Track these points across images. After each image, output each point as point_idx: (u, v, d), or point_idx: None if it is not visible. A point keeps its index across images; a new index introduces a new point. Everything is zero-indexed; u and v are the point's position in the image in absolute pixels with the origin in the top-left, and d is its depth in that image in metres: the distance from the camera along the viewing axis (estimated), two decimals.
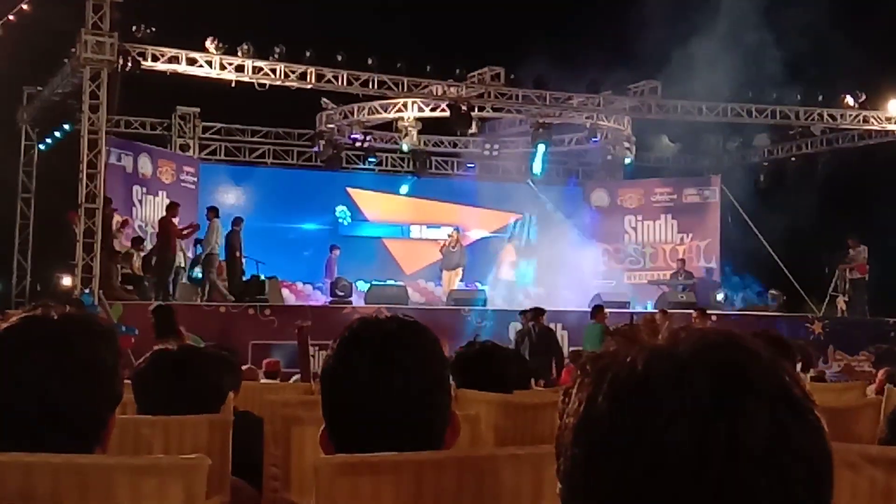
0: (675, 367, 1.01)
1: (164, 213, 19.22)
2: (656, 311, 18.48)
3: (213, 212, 19.38)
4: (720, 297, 21.39)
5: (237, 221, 19.53)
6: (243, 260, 19.44)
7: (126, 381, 2.38)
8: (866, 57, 19.16)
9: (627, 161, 23.90)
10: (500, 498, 2.06)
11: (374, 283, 21.55)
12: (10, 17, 17.72)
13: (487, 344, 4.89)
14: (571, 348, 18.13)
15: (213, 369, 3.53)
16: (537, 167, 23.43)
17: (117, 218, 18.83)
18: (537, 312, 16.14)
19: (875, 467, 2.15)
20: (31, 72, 20.94)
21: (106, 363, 2.13)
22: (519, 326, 18.61)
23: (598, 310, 16.71)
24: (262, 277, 18.83)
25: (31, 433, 2.01)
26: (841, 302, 21.25)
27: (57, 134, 21.28)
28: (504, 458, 2.15)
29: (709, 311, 19.28)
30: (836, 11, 19.30)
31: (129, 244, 19.15)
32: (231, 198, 23.22)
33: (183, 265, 19.37)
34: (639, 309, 20.15)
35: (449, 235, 22.13)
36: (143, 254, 19.12)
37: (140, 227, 20.49)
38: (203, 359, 3.54)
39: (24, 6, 17.62)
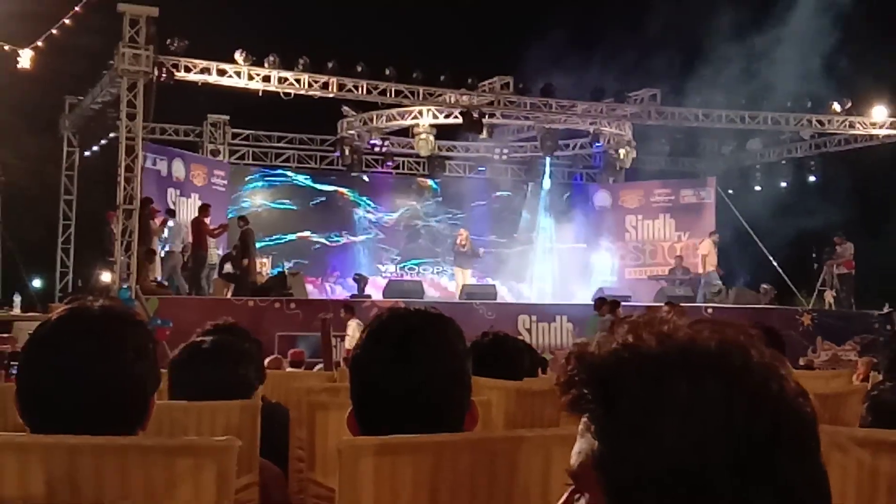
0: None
1: (197, 214, 19.27)
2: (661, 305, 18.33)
3: (169, 213, 19.39)
4: (715, 286, 21.32)
5: (243, 220, 19.42)
6: (256, 258, 19.34)
7: (161, 371, 2.40)
8: (852, 65, 19.11)
9: (628, 164, 23.84)
10: (512, 476, 2.07)
11: (392, 279, 21.59)
12: (54, 31, 17.78)
13: (500, 334, 4.87)
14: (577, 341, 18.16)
15: (243, 362, 3.54)
16: (546, 183, 24.00)
17: (158, 219, 18.84)
18: (614, 305, 16.12)
19: (862, 449, 2.15)
20: (72, 82, 21.03)
21: (148, 349, 2.15)
22: (526, 319, 18.68)
23: (599, 302, 16.77)
24: (287, 273, 18.86)
25: (82, 416, 2.02)
26: (829, 296, 21.19)
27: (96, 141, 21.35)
28: (515, 440, 2.15)
29: (705, 305, 19.32)
30: (824, 23, 19.28)
31: None
32: (258, 199, 23.31)
33: (214, 262, 19.44)
34: (638, 303, 20.10)
35: (459, 234, 21.96)
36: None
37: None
38: (234, 352, 3.56)
39: (66, 21, 17.68)
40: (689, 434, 0.96)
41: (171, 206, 20.28)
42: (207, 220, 18.83)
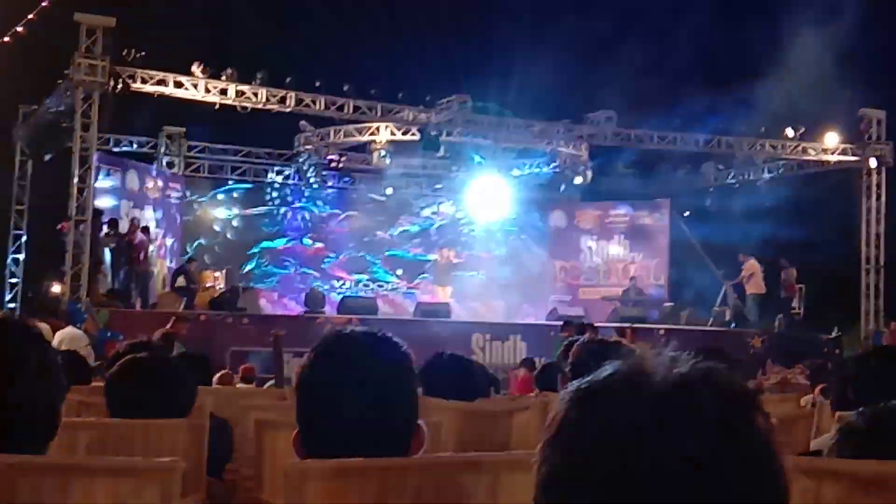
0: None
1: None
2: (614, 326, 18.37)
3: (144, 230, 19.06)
4: (665, 311, 21.48)
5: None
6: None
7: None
8: (805, 92, 19.40)
9: (583, 185, 24.00)
10: (459, 501, 2.06)
11: (346, 295, 21.52)
12: (6, 39, 17.59)
13: (455, 355, 4.87)
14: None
15: (181, 376, 3.50)
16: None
17: (106, 229, 18.56)
18: (579, 328, 15.91)
19: (806, 477, 2.16)
20: (26, 91, 20.80)
21: (52, 359, 2.09)
22: (479, 337, 18.64)
23: (565, 325, 16.66)
24: (240, 288, 18.72)
25: None
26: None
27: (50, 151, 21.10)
28: (463, 464, 2.14)
29: (657, 326, 19.43)
30: (777, 50, 19.58)
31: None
32: (217, 212, 23.29)
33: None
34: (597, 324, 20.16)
35: (440, 252, 22.98)
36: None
37: None
38: (171, 366, 3.52)
39: (20, 29, 17.50)
40: (607, 458, 0.96)
41: (125, 219, 20.04)
42: (105, 230, 18.37)
